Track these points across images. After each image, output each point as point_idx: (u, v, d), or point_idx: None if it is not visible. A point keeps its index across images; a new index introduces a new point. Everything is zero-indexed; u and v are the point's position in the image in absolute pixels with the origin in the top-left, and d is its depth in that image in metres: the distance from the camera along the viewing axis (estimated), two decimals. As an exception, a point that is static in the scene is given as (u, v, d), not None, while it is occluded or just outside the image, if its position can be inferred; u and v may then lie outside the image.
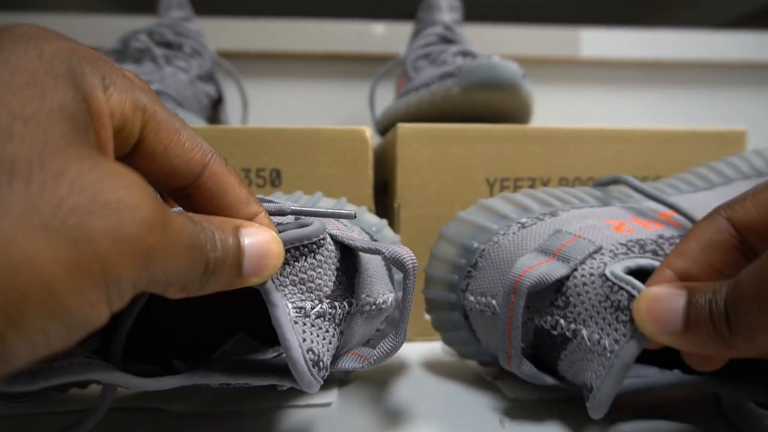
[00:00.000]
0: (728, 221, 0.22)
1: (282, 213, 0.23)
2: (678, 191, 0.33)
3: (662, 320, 0.20)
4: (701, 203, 0.30)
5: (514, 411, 0.28)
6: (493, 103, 0.45)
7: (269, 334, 0.29)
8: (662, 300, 0.21)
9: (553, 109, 0.79)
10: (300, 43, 0.74)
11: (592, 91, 0.81)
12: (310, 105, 0.77)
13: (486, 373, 0.33)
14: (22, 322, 0.12)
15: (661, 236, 0.26)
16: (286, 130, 0.39)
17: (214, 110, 0.60)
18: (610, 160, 0.42)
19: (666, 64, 0.81)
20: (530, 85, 0.47)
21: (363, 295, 0.24)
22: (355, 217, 0.24)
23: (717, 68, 0.82)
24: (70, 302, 0.13)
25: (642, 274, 0.24)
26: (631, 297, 0.22)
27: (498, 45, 0.75)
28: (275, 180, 0.39)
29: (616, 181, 0.32)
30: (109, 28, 0.69)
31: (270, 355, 0.27)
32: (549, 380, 0.25)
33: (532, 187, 0.41)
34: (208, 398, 0.29)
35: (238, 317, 0.30)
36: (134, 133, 0.18)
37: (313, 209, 0.24)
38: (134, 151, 0.18)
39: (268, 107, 0.76)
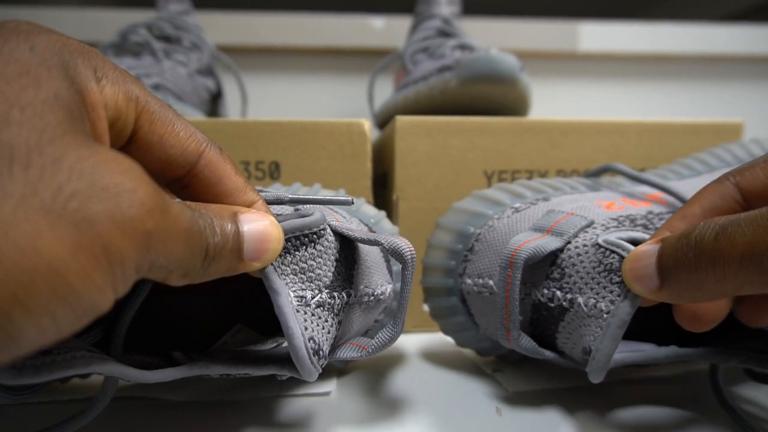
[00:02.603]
0: (736, 187, 0.22)
1: (280, 201, 0.23)
2: (665, 179, 0.34)
3: (642, 278, 0.21)
4: (688, 188, 0.30)
5: (511, 400, 0.28)
6: (491, 95, 0.45)
7: (267, 325, 0.29)
8: (641, 258, 0.21)
9: (552, 102, 0.79)
10: (299, 37, 0.74)
11: (590, 85, 0.81)
12: (309, 99, 0.77)
13: (485, 365, 0.33)
14: (30, 303, 0.12)
15: (650, 212, 0.27)
16: (285, 122, 0.39)
17: (213, 104, 0.60)
18: (608, 152, 0.42)
19: (664, 58, 0.81)
20: (528, 78, 0.47)
21: (361, 286, 0.24)
22: (353, 203, 0.24)
23: (715, 61, 0.82)
24: (78, 285, 0.13)
25: (635, 245, 0.24)
26: (622, 258, 0.23)
27: (496, 38, 0.75)
28: (274, 173, 0.39)
29: (606, 170, 0.33)
30: (108, 22, 0.69)
31: (269, 345, 0.28)
32: (548, 354, 0.26)
33: (529, 179, 0.41)
34: (208, 388, 0.29)
35: (236, 308, 0.31)
36: (129, 125, 0.18)
37: (311, 197, 0.24)
38: (130, 143, 0.18)
39: (268, 101, 0.76)
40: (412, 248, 0.22)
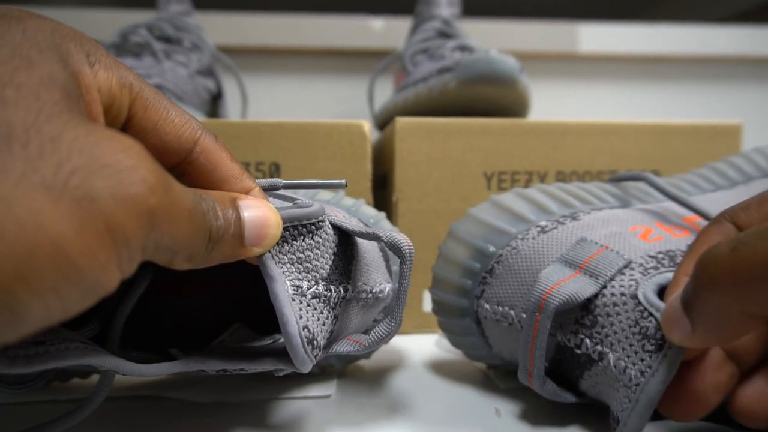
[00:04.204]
0: (734, 226, 0.21)
1: (274, 187, 0.24)
2: (698, 189, 0.31)
3: (675, 325, 0.20)
4: (722, 203, 0.28)
5: (511, 401, 0.28)
6: (490, 97, 0.45)
7: (266, 324, 0.29)
8: (671, 307, 0.20)
9: (551, 103, 0.79)
10: (299, 37, 0.74)
11: (589, 86, 0.81)
12: (309, 100, 0.77)
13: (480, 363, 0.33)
14: (33, 279, 0.12)
15: (688, 245, 0.25)
16: (284, 124, 0.39)
17: (213, 105, 0.60)
18: (607, 153, 0.42)
19: (663, 59, 0.81)
20: (528, 79, 0.47)
21: (359, 283, 0.24)
22: (347, 186, 0.25)
23: (714, 63, 0.82)
24: (81, 262, 0.13)
25: None
26: (659, 324, 0.21)
27: (496, 40, 0.75)
28: (274, 174, 0.39)
29: (635, 178, 0.31)
30: (109, 23, 0.69)
31: (266, 342, 0.28)
32: (570, 398, 0.25)
33: (529, 181, 0.41)
34: (208, 389, 0.29)
35: (234, 311, 0.31)
36: (123, 111, 0.18)
37: (305, 181, 0.24)
38: (124, 130, 0.18)
39: (268, 102, 0.76)
40: (410, 243, 0.22)
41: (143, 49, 0.52)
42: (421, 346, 0.38)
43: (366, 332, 0.29)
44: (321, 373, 0.32)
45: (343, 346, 0.23)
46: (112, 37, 0.54)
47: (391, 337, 0.22)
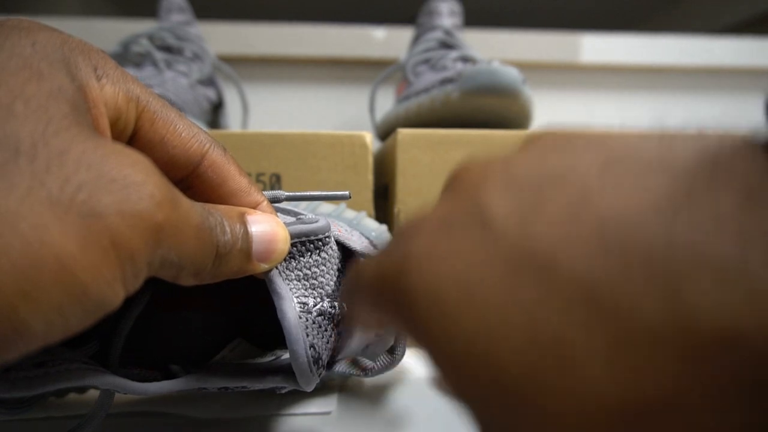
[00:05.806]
0: None
1: (277, 199, 0.23)
2: None
3: None
4: None
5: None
6: (493, 108, 0.45)
7: (267, 340, 0.29)
8: None
9: (553, 114, 0.79)
10: (300, 47, 0.74)
11: (592, 97, 0.81)
12: (310, 109, 0.77)
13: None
14: (37, 296, 0.12)
15: None
16: (286, 134, 0.39)
17: (214, 114, 0.60)
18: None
19: (666, 70, 0.81)
20: (530, 90, 0.47)
21: None
22: (350, 197, 0.24)
23: (715, 73, 0.82)
24: (86, 279, 0.12)
25: None
26: None
27: (498, 50, 0.75)
28: (275, 185, 0.39)
29: None
30: (110, 32, 0.69)
31: (268, 358, 0.27)
32: None
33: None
34: (207, 405, 0.29)
35: (235, 324, 0.30)
36: (129, 125, 0.18)
37: (309, 193, 0.24)
38: (130, 143, 0.18)
39: (269, 111, 0.76)
40: None
41: (144, 59, 0.52)
42: (423, 360, 0.38)
43: (367, 347, 0.29)
44: (322, 387, 0.31)
45: (346, 368, 0.23)
46: (114, 47, 0.53)
47: (396, 365, 0.22)
